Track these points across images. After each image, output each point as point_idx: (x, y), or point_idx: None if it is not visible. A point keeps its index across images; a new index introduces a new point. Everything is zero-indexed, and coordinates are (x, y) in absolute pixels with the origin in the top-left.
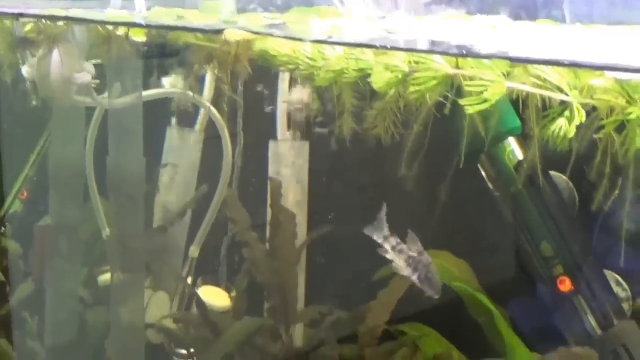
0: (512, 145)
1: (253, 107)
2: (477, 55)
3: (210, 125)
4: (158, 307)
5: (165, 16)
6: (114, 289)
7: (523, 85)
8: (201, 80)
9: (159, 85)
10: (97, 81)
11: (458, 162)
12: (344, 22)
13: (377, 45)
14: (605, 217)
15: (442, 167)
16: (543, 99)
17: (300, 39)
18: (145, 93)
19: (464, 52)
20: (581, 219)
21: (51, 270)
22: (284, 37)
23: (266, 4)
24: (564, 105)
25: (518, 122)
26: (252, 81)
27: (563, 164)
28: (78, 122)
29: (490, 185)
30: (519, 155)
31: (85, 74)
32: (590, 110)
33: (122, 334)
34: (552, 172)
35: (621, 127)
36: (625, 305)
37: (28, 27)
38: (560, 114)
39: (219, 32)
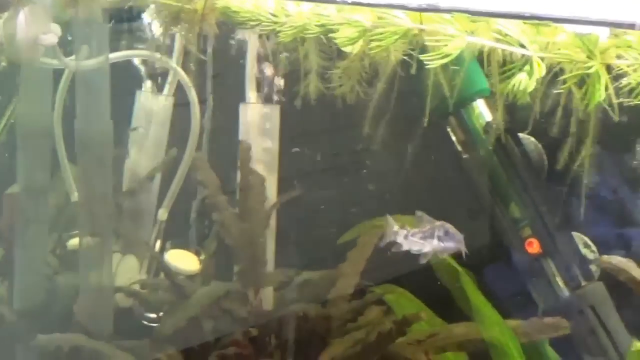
0: (481, 107)
1: (223, 70)
2: (437, 10)
3: (181, 89)
4: (127, 271)
5: None
6: (83, 253)
7: (484, 40)
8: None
9: (127, 47)
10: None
11: (428, 123)
12: None
13: (337, 0)
14: (574, 178)
15: (414, 129)
16: (506, 56)
17: None
18: (112, 55)
19: (424, 6)
20: (551, 181)
21: (20, 235)
22: None
23: None
24: (524, 59)
25: (486, 84)
26: (222, 44)
27: (535, 126)
28: (45, 84)
29: (459, 148)
30: (488, 117)
31: (52, 36)
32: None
33: (91, 298)
34: (520, 134)
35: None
36: (594, 267)
37: None
38: (521, 69)
39: None
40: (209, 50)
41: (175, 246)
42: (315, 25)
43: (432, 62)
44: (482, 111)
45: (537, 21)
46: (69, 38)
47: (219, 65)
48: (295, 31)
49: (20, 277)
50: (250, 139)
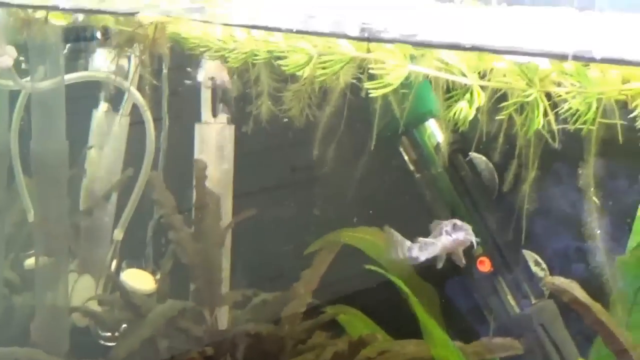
0: (433, 127)
1: (179, 90)
2: (380, 40)
3: (138, 108)
4: (83, 290)
5: None
6: (39, 273)
7: (426, 69)
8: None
9: (83, 68)
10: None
11: (382, 143)
12: (265, 4)
13: (282, 29)
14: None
15: (367, 148)
16: (451, 82)
17: (208, 22)
18: (68, 76)
19: (367, 35)
20: (503, 200)
21: None
22: (193, 20)
23: None
24: (466, 88)
25: (436, 106)
26: (177, 65)
27: (488, 146)
28: (1, 105)
29: (411, 167)
30: (439, 137)
31: (7, 58)
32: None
33: (47, 317)
34: (472, 154)
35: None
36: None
37: None
38: (462, 97)
39: (133, 15)
40: (165, 71)
41: (132, 265)
42: (264, 52)
43: (375, 91)
44: (434, 131)
45: (477, 51)
46: (24, 59)
47: (176, 86)
48: (244, 57)
49: None
50: (206, 158)
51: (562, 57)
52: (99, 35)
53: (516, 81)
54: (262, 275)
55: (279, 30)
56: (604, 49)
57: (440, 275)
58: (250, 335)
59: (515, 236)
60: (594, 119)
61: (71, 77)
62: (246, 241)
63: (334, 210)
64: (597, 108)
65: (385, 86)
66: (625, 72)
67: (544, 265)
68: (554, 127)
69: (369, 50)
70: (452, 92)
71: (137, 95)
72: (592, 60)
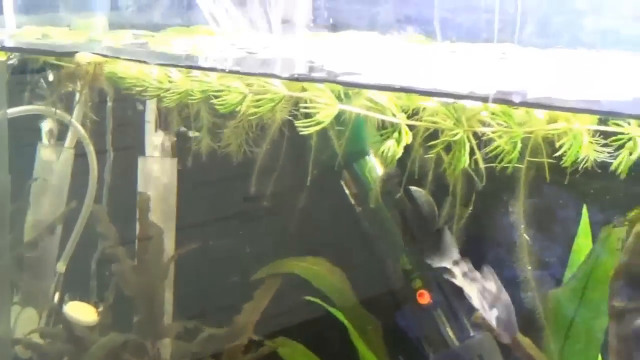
0: (373, 161)
1: (123, 124)
2: (311, 80)
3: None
4: (26, 322)
5: (31, 35)
6: None
7: (355, 108)
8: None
9: (28, 101)
10: None
11: (324, 177)
12: (206, 43)
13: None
14: (465, 229)
15: (311, 182)
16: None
17: (144, 62)
18: (10, 110)
19: (296, 76)
20: (444, 232)
21: None
22: (130, 60)
23: (145, 23)
24: (395, 126)
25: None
26: (121, 98)
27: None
28: None
29: (352, 201)
30: (379, 171)
31: None
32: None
33: None
34: (412, 187)
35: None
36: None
37: None
38: (391, 136)
39: (71, 54)
40: (109, 104)
41: (74, 298)
42: (198, 91)
43: (305, 129)
44: (374, 165)
45: (405, 93)
46: None
47: (120, 119)
48: (179, 96)
49: None
50: (149, 191)
51: (484, 100)
52: (42, 69)
53: (444, 120)
54: (205, 308)
55: (213, 70)
56: (526, 91)
57: (384, 308)
58: None
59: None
60: (519, 158)
61: (14, 110)
62: (190, 274)
63: (277, 243)
64: (526, 146)
65: (316, 124)
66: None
67: None
68: (481, 165)
69: (303, 89)
70: (384, 130)
71: (80, 128)
72: (511, 103)
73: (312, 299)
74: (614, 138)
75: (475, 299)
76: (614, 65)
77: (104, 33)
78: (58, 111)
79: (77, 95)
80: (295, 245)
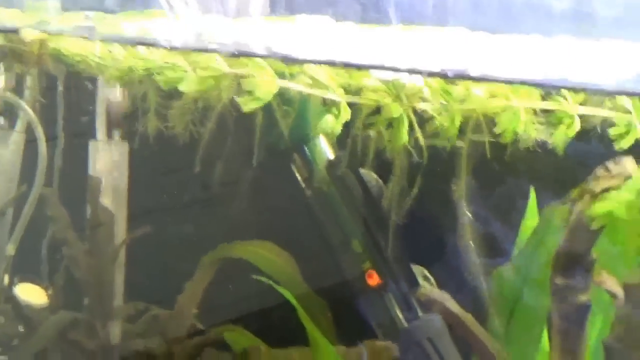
0: (323, 144)
1: (74, 107)
2: (251, 54)
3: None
4: None
5: None
6: None
7: (295, 85)
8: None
9: None
10: None
11: (274, 160)
12: (156, 24)
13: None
14: (414, 212)
15: (260, 165)
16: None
17: (87, 38)
18: None
19: (236, 52)
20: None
21: None
22: (75, 36)
23: (99, 5)
24: (335, 103)
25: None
26: (73, 82)
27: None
28: None
29: (302, 184)
30: (329, 154)
31: None
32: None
33: None
34: (361, 170)
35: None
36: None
37: None
38: (331, 112)
39: (16, 31)
40: (60, 88)
41: (24, 280)
42: (141, 68)
43: (246, 106)
44: (325, 148)
45: (348, 68)
46: None
47: (71, 104)
48: (121, 73)
49: None
50: (100, 175)
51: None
52: None
53: (384, 98)
54: (156, 290)
55: (154, 44)
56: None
57: (334, 291)
58: (141, 353)
59: (404, 250)
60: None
61: None
62: (140, 257)
63: (227, 227)
64: (465, 124)
65: (255, 100)
66: (492, 88)
67: (432, 280)
68: (422, 142)
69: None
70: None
71: (29, 112)
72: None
73: (259, 278)
74: (552, 115)
75: None
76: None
77: (56, 15)
78: (7, 94)
79: (28, 78)
80: (244, 229)
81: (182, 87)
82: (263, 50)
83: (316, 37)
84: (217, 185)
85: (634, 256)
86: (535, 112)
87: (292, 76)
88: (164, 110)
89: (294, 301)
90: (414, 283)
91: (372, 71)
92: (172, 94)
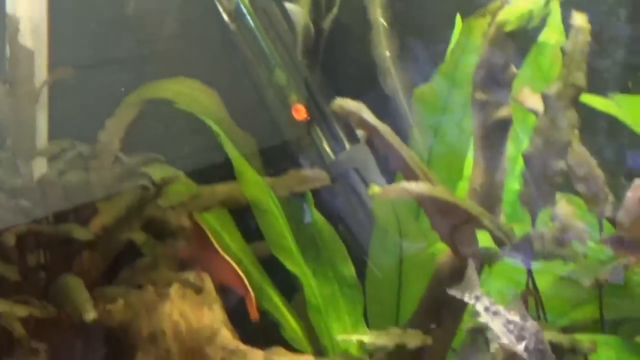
0: None
1: None
2: None
3: None
4: None
5: None
6: None
7: None
8: None
9: None
10: None
11: None
12: None
13: None
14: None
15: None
16: None
17: None
18: None
19: None
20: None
21: None
22: None
23: None
24: None
25: None
26: None
27: None
28: None
29: (226, 18)
30: None
31: None
32: None
33: None
34: (287, 4)
35: None
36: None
37: None
38: None
39: None
40: None
41: None
42: None
43: None
44: None
45: None
46: None
47: None
48: None
49: None
50: (18, 15)
51: None
52: None
53: None
54: (80, 129)
55: None
56: None
57: (261, 126)
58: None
59: (330, 84)
60: None
61: None
62: (64, 96)
63: (152, 66)
64: None
65: None
66: None
67: None
68: None
69: None
70: None
71: None
72: None
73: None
74: None
75: (501, 334)
76: None
77: None
78: None
79: None
80: (167, 67)
81: None
82: None
83: None
84: (140, 20)
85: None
86: None
87: None
88: None
89: (220, 132)
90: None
91: None
92: None
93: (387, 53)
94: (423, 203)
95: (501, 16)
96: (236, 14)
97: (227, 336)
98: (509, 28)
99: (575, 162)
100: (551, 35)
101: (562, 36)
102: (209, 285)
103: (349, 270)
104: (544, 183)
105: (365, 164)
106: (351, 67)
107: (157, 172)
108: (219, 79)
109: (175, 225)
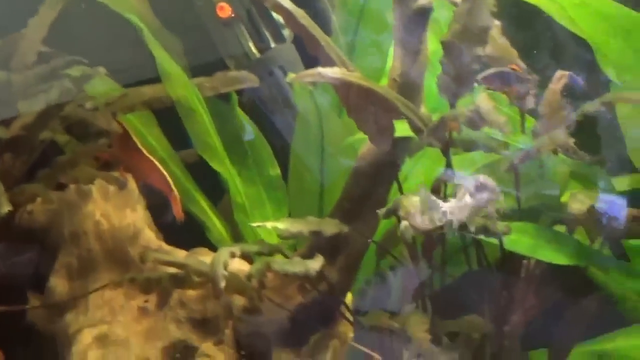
0: None
1: None
2: None
3: None
4: None
5: None
6: None
7: None
8: None
9: None
10: None
11: None
12: None
13: None
14: None
15: None
16: None
17: None
18: None
19: None
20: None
21: None
22: None
23: None
24: None
25: None
26: None
27: None
28: None
29: None
30: None
31: None
32: None
33: None
34: None
35: None
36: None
37: None
38: None
39: None
40: None
41: None
42: None
43: None
44: None
45: None
46: None
47: None
48: None
49: None
50: None
51: None
52: None
53: None
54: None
55: None
56: None
57: (184, 24)
58: None
59: None
60: None
61: None
62: None
63: None
64: None
65: None
66: None
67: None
68: None
69: None
70: None
71: None
72: None
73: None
74: None
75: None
76: None
77: None
78: None
79: None
80: None
81: None
82: None
83: None
84: None
85: None
86: None
87: None
88: None
89: (144, 28)
90: (266, 14)
91: None
92: None
93: None
94: (340, 89)
95: None
96: None
97: (150, 236)
98: None
99: (496, 53)
100: None
101: None
102: (132, 185)
103: (275, 171)
104: (463, 70)
105: (291, 63)
106: None
107: (79, 73)
108: None
109: (100, 127)
